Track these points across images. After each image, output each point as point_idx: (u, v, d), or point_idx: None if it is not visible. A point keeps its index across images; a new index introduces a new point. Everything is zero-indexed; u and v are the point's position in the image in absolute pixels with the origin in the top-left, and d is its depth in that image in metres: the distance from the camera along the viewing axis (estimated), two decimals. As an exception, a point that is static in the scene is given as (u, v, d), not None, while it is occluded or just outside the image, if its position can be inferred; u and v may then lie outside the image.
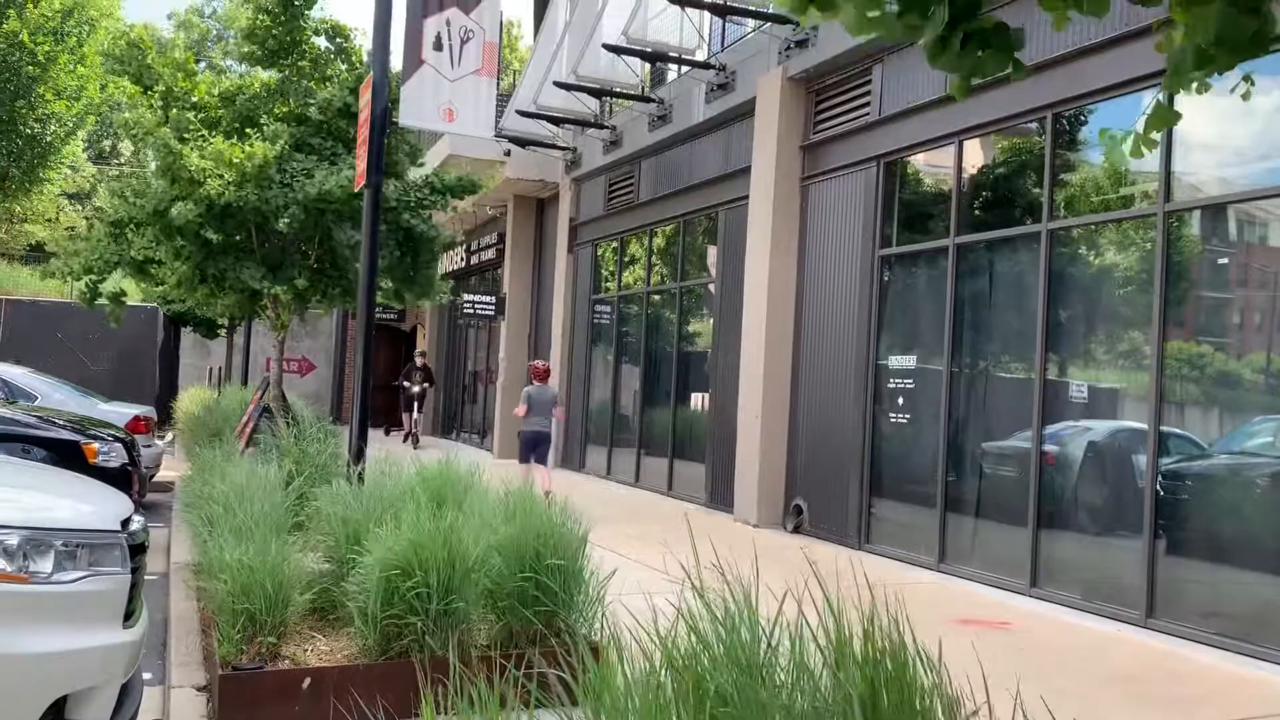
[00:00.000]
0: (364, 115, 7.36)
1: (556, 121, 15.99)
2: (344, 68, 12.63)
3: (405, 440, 20.22)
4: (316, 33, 12.65)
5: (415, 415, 20.84)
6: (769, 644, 2.69)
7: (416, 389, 20.95)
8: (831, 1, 2.37)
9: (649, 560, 6.70)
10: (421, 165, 13.63)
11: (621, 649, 2.75)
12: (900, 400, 9.98)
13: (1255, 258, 7.40)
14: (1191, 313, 7.46)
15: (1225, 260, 7.44)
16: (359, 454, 7.09)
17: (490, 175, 17.64)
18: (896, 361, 10.05)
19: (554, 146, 16.99)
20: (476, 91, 7.23)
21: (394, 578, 4.64)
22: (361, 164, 7.35)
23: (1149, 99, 7.44)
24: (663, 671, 2.57)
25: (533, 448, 12.37)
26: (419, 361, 21.78)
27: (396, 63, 8.55)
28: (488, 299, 19.77)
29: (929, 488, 9.41)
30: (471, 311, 19.76)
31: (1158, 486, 7.29)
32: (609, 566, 5.23)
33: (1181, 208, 7.38)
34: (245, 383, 19.83)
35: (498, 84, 18.15)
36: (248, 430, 11.27)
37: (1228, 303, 7.41)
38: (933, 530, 9.25)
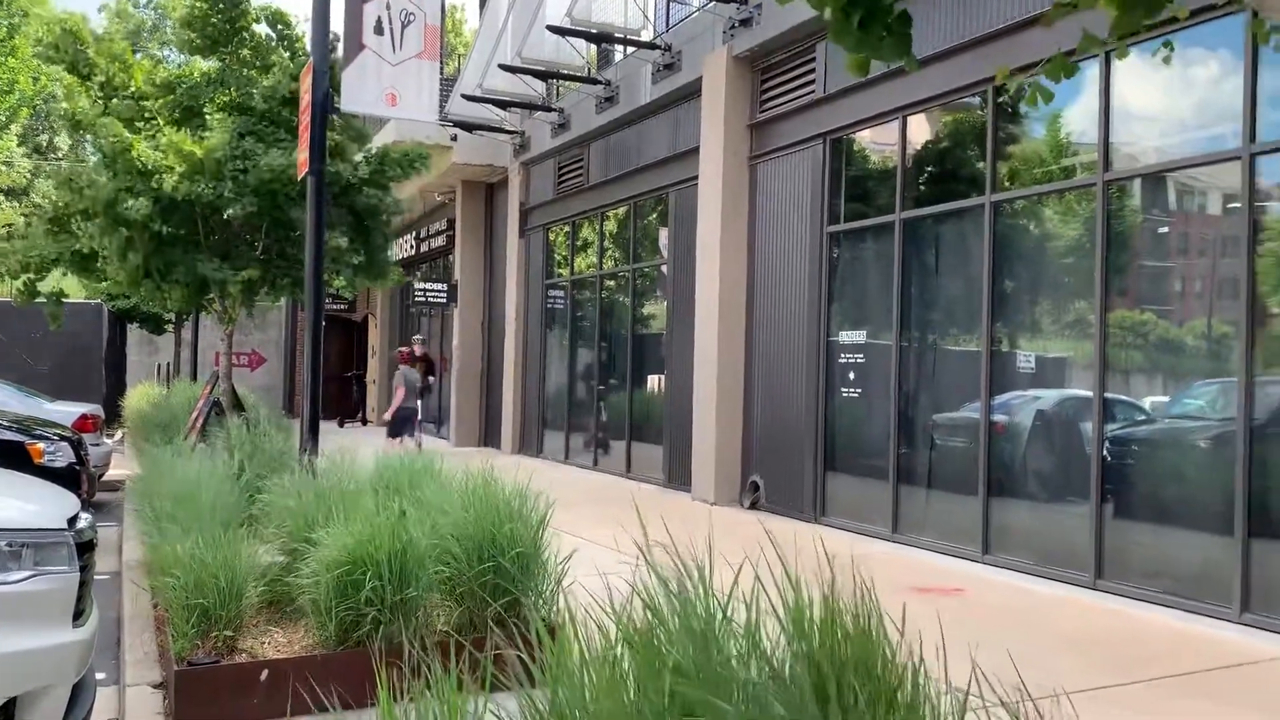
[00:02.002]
0: (305, 102, 7.26)
1: (503, 105, 15.88)
2: (286, 55, 12.44)
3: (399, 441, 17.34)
4: (257, 20, 12.45)
5: (418, 414, 18.03)
6: (724, 615, 2.71)
7: (420, 383, 18.11)
8: None
9: (607, 541, 6.72)
10: (367, 150, 13.47)
11: (578, 627, 2.76)
12: (852, 375, 10.08)
13: (1193, 225, 7.55)
14: (1132, 281, 7.61)
15: (1164, 228, 7.59)
16: (311, 445, 7.02)
17: (437, 160, 17.47)
18: (847, 337, 10.15)
19: (501, 130, 16.88)
20: (419, 75, 7.16)
21: (347, 570, 4.62)
22: (304, 152, 7.25)
23: (1092, 68, 7.56)
24: (619, 647, 2.59)
25: (406, 424, 14.49)
26: (417, 349, 17.91)
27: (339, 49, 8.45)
28: (439, 286, 19.63)
29: (882, 460, 9.53)
30: (423, 299, 19.62)
31: (1104, 452, 7.45)
32: (568, 549, 5.23)
33: (1120, 177, 7.51)
34: (194, 378, 19.54)
35: (442, 68, 17.98)
36: (198, 425, 11.12)
37: (1168, 270, 7.56)
38: (886, 502, 9.37)
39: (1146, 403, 7.54)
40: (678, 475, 12.60)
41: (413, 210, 21.77)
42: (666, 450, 13.12)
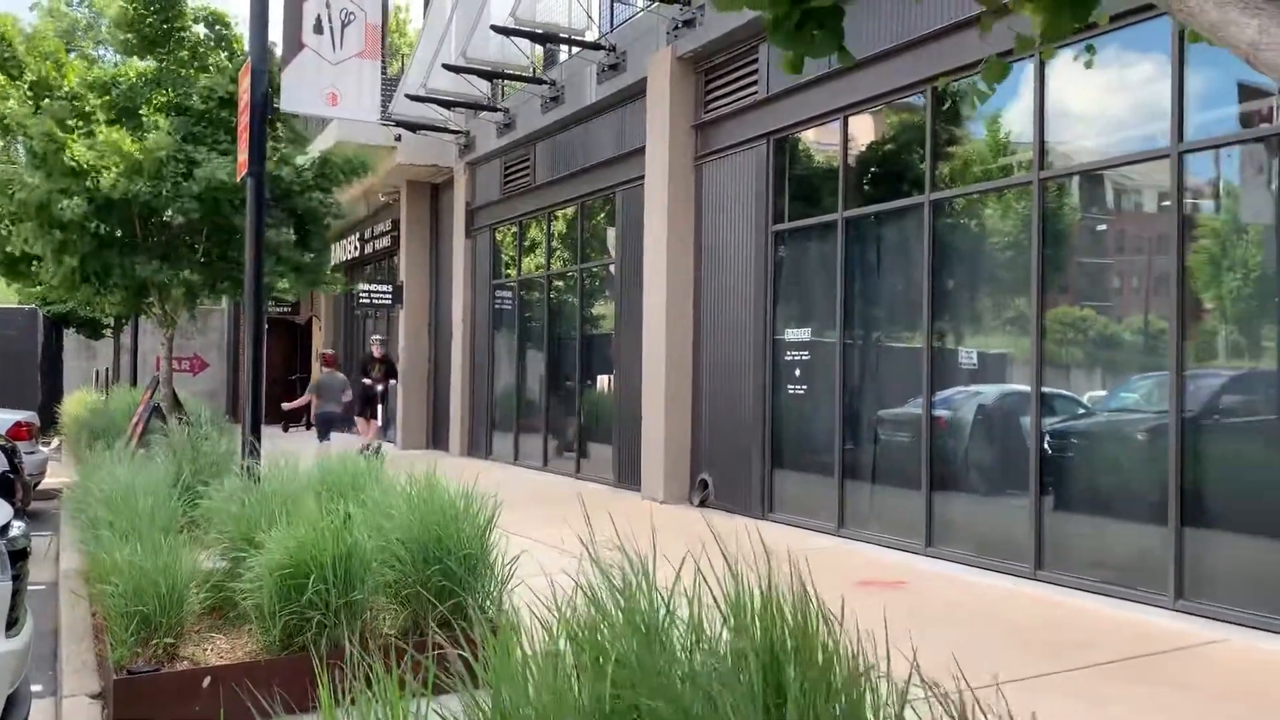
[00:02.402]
0: (243, 102, 7.16)
1: (447, 105, 15.79)
2: (225, 55, 12.27)
3: (364, 450, 15.26)
4: (196, 20, 12.27)
5: (376, 421, 16.45)
6: (667, 609, 2.73)
7: (380, 386, 16.54)
8: None
9: (555, 541, 6.71)
10: (305, 154, 13.34)
11: (521, 625, 2.76)
12: (798, 372, 10.17)
13: (1126, 222, 7.73)
14: (1068, 277, 7.77)
15: (1098, 225, 7.76)
16: (253, 449, 6.93)
17: (382, 161, 17.32)
18: (793, 335, 10.24)
19: (446, 130, 16.77)
20: (360, 74, 7.10)
21: (289, 574, 4.57)
22: (243, 153, 7.15)
23: (1026, 69, 7.71)
24: (563, 643, 2.59)
25: (328, 428, 14.50)
26: (376, 350, 16.78)
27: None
28: (384, 288, 19.45)
29: (827, 456, 9.63)
30: (368, 301, 19.41)
31: (1043, 445, 7.60)
32: (515, 550, 5.22)
33: (1055, 175, 7.66)
34: (134, 384, 19.16)
35: (385, 68, 17.81)
36: (138, 430, 10.92)
37: (1102, 266, 7.73)
38: (832, 497, 9.48)
39: (1084, 396, 7.71)
40: (627, 475, 12.62)
41: (357, 211, 21.55)
42: (616, 450, 13.13)
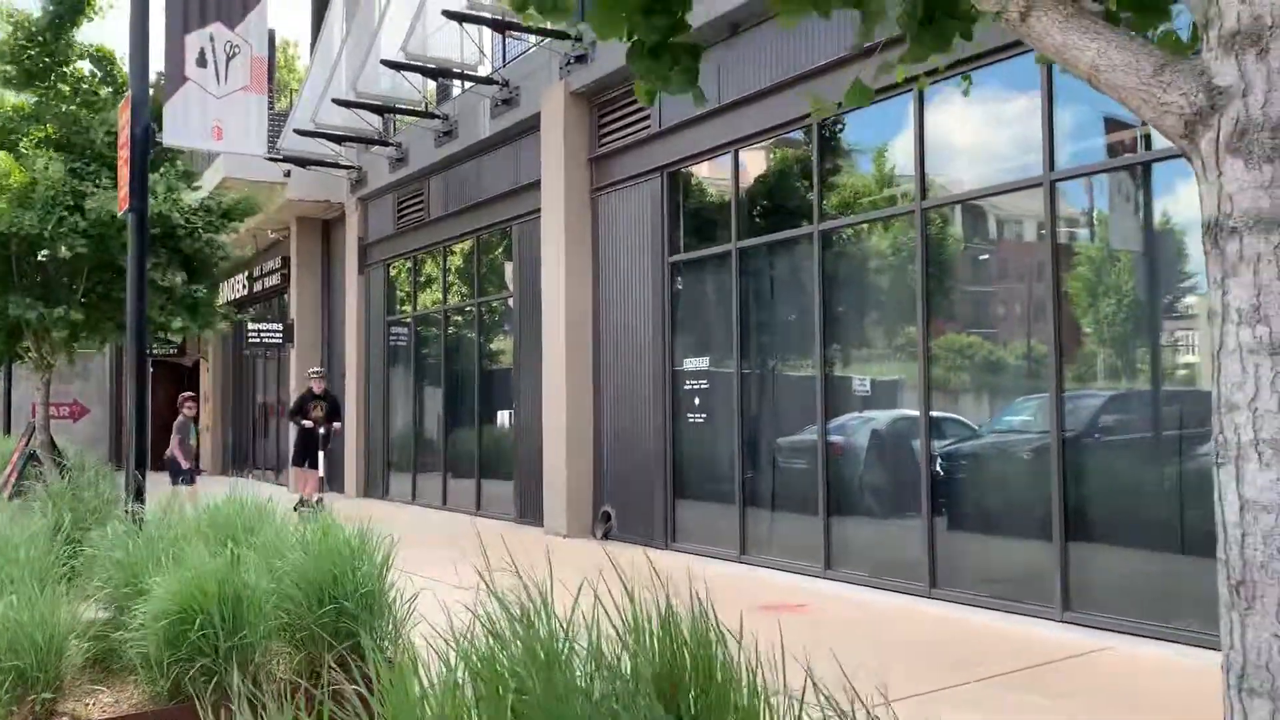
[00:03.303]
0: (124, 136, 6.95)
1: (338, 140, 15.59)
2: (109, 90, 11.92)
3: (300, 507, 12.21)
4: (82, 56, 11.90)
5: (318, 471, 13.85)
6: (566, 636, 2.72)
7: (322, 429, 13.78)
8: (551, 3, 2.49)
9: (454, 578, 6.62)
10: (197, 189, 13.01)
11: (419, 660, 2.72)
12: (697, 402, 10.27)
13: (1005, 249, 8.06)
14: (952, 303, 8.05)
15: (978, 252, 8.07)
16: (137, 494, 6.67)
17: (271, 197, 16.99)
18: (692, 365, 10.35)
19: (337, 165, 16.55)
20: (246, 108, 6.96)
21: (176, 620, 4.40)
22: (124, 187, 6.93)
23: (907, 104, 8.00)
24: (461, 674, 2.56)
25: (181, 472, 13.22)
26: (316, 386, 14.08)
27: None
28: (275, 326, 18.98)
29: (728, 485, 9.73)
30: (258, 340, 18.90)
31: (934, 468, 7.82)
32: (415, 588, 5.13)
33: (936, 204, 7.95)
34: (7, 432, 18.26)
35: (273, 103, 17.50)
36: (10, 480, 10.41)
37: (984, 292, 8.03)
38: (733, 524, 9.57)
39: (971, 419, 7.97)
40: (529, 510, 12.52)
41: (244, 249, 21.05)
42: (517, 486, 13.02)
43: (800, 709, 2.49)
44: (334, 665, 4.66)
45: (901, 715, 2.36)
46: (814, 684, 2.51)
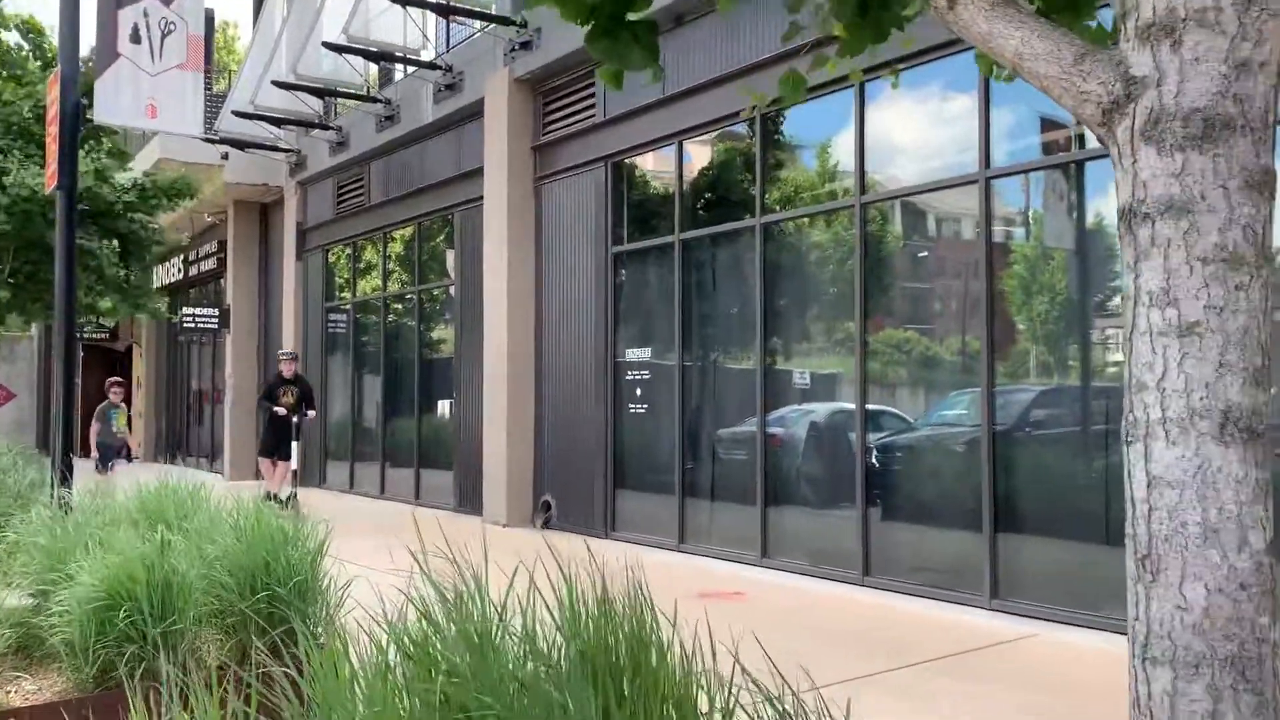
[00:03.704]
0: (52, 112, 6.77)
1: (277, 123, 15.32)
2: (38, 65, 11.59)
3: (271, 499, 11.24)
4: (7, 27, 11.55)
5: (290, 462, 12.67)
6: (500, 620, 2.72)
7: (296, 418, 12.63)
8: None
9: (390, 565, 6.58)
10: (130, 170, 12.71)
11: (350, 643, 2.70)
12: (639, 392, 10.30)
13: (941, 245, 8.19)
14: (890, 298, 8.16)
15: (916, 247, 8.19)
16: (64, 477, 6.52)
17: (208, 180, 16.66)
18: (634, 355, 10.37)
19: (276, 149, 16.27)
20: (182, 87, 6.82)
21: (103, 606, 4.32)
22: (52, 165, 6.76)
23: (849, 99, 8.08)
24: (393, 656, 2.55)
25: (115, 455, 12.90)
26: (286, 369, 12.88)
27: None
28: (210, 311, 18.62)
29: (668, 475, 9.78)
30: (192, 325, 18.52)
31: (869, 459, 7.94)
32: (350, 575, 5.09)
33: (875, 199, 8.06)
34: (-73, 416, 17.70)
35: (210, 83, 17.15)
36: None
37: (921, 287, 8.16)
38: (673, 514, 9.62)
39: (907, 413, 8.10)
40: (469, 499, 12.46)
41: (180, 232, 20.62)
42: (457, 475, 12.95)
43: (730, 692, 2.52)
44: (266, 651, 4.61)
45: (831, 701, 2.40)
46: (742, 669, 2.55)
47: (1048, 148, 7.12)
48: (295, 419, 12.57)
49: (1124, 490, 1.80)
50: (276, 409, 12.57)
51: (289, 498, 11.97)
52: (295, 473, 12.50)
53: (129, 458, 13.59)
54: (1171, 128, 1.72)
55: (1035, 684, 5.27)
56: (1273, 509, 1.72)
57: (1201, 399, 1.68)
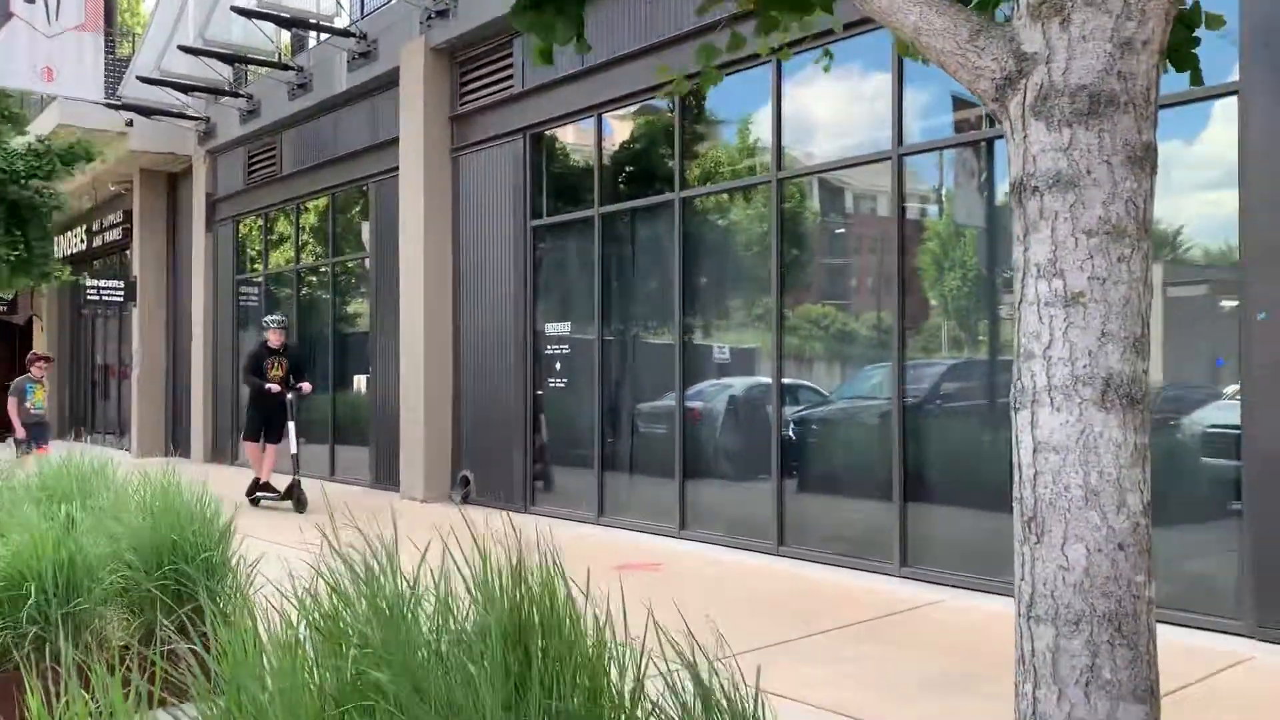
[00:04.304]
0: (-59, 73, 6.46)
1: (184, 89, 14.84)
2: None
3: (259, 493, 11.10)
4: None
5: (292, 442, 10.84)
6: (412, 592, 2.72)
7: (290, 394, 10.97)
8: None
9: (301, 541, 6.49)
10: (26, 135, 12.22)
11: (260, 618, 2.67)
12: (558, 367, 10.29)
13: (857, 221, 8.32)
14: (806, 273, 8.27)
15: (831, 223, 8.30)
16: (-42, 456, 6.27)
17: (111, 147, 16.07)
18: (553, 330, 10.35)
19: (183, 116, 15.77)
20: (80, 49, 6.56)
21: (4, 585, 4.19)
22: (-59, 128, 6.45)
23: (767, 75, 8.13)
24: (302, 630, 2.53)
25: (42, 433, 12.25)
26: (274, 338, 11.17)
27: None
28: (116, 284, 18.03)
29: (587, 449, 9.81)
30: (97, 298, 17.92)
31: (786, 432, 8.07)
32: (261, 552, 5.01)
33: (791, 175, 8.14)
34: None
35: (113, 46, 16.53)
36: None
37: (836, 263, 8.28)
38: (592, 488, 9.66)
39: (821, 386, 8.24)
40: (385, 475, 12.33)
41: (83, 201, 19.89)
42: (374, 450, 12.80)
43: (643, 659, 2.56)
44: (172, 629, 4.53)
45: (745, 668, 2.45)
46: (659, 633, 2.58)
47: (960, 125, 7.27)
48: (289, 395, 10.88)
49: (1011, 456, 1.87)
50: (270, 386, 10.86)
51: (290, 488, 10.60)
52: (296, 457, 10.76)
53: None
54: (1060, 104, 1.78)
55: (940, 647, 5.44)
56: (1150, 472, 1.81)
57: (1085, 367, 1.75)
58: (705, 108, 9.04)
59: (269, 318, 11.52)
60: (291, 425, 10.79)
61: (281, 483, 11.01)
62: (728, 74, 8.48)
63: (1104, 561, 1.73)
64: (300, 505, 10.50)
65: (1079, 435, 1.74)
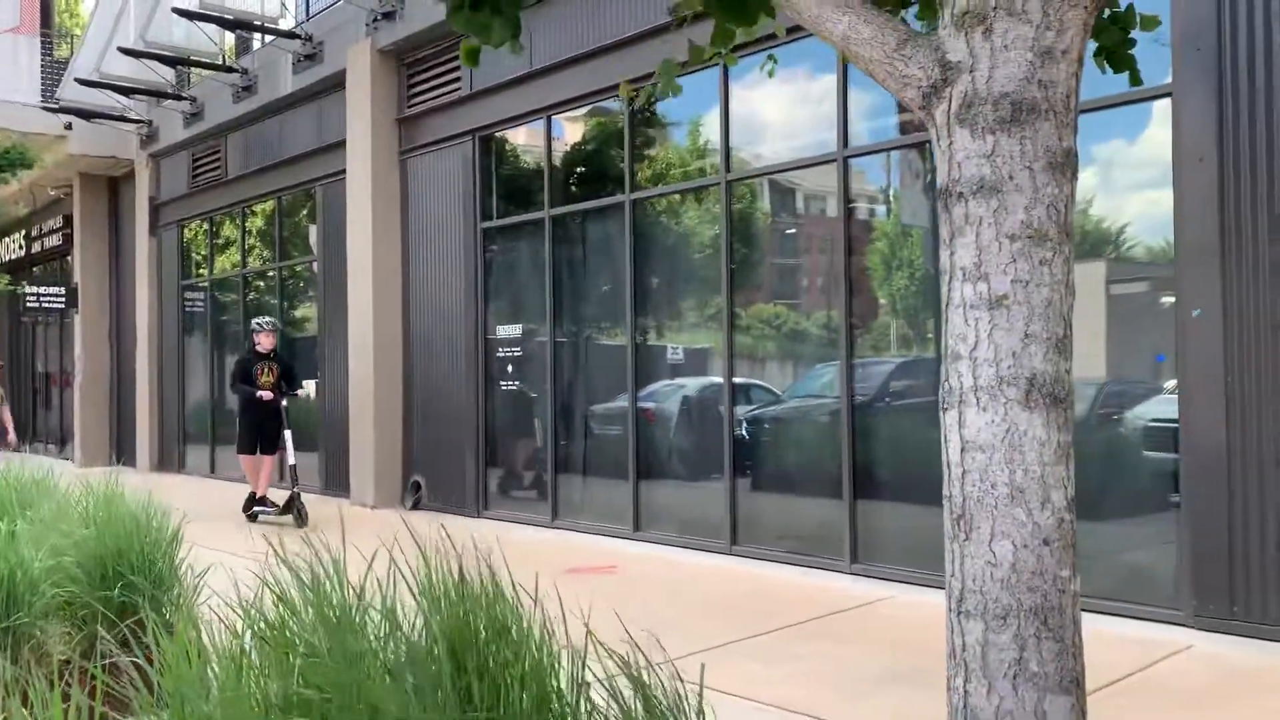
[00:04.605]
0: None
1: (126, 92, 14.59)
2: None
3: (256, 508, 10.47)
4: None
5: (290, 456, 10.22)
6: (359, 601, 2.71)
7: (284, 401, 10.39)
8: None
9: (250, 551, 6.42)
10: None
11: (200, 629, 2.65)
12: (510, 369, 10.26)
13: (805, 222, 8.40)
14: (756, 274, 8.34)
15: (780, 224, 8.38)
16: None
17: (50, 151, 15.75)
18: (505, 332, 10.32)
19: (124, 119, 15.50)
20: (15, 51, 6.43)
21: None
22: None
23: (715, 78, 8.18)
24: (248, 641, 2.51)
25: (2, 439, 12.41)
26: (264, 341, 10.53)
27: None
28: (56, 290, 17.66)
29: (541, 452, 9.79)
30: (37, 305, 17.54)
31: (738, 432, 8.12)
32: (209, 562, 4.95)
33: (740, 177, 8.20)
34: None
35: (51, 48, 16.21)
36: None
37: (786, 263, 8.36)
38: (545, 491, 9.65)
39: (773, 385, 8.31)
40: (335, 481, 12.21)
41: (20, 206, 19.47)
42: (323, 456, 12.66)
43: (584, 663, 2.57)
44: (115, 643, 4.45)
45: (696, 667, 2.47)
46: (595, 640, 2.59)
47: (904, 128, 7.36)
48: (284, 402, 10.31)
49: (941, 455, 1.91)
50: (263, 394, 10.22)
51: (289, 501, 9.99)
52: (294, 468, 10.13)
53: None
54: (983, 111, 1.83)
55: (890, 642, 5.52)
56: (1074, 469, 1.86)
57: (1009, 367, 1.80)
58: (656, 110, 9.07)
59: (258, 320, 10.83)
60: (288, 434, 10.20)
61: (280, 496, 10.38)
62: (681, 74, 8.56)
63: (1030, 557, 1.77)
64: (301, 520, 9.74)
65: (1004, 434, 1.78)
